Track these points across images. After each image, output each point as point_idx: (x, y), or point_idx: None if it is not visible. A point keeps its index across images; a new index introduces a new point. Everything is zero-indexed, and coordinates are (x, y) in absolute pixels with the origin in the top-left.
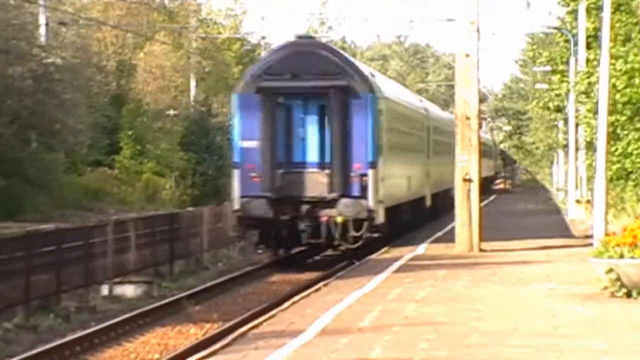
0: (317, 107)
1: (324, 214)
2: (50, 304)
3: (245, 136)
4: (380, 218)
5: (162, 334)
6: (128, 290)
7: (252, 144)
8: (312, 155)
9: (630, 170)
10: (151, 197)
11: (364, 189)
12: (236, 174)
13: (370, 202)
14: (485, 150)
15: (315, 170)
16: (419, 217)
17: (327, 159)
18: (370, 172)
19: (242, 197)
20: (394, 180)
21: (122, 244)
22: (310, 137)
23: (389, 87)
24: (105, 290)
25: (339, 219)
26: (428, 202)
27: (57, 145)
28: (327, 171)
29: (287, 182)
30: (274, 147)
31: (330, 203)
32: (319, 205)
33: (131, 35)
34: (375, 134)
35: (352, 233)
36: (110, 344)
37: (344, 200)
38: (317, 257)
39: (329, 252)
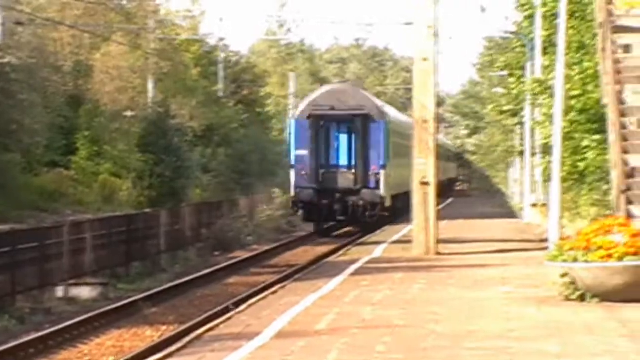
0: (347, 128)
1: (351, 200)
2: (4, 306)
3: (298, 147)
4: (388, 202)
5: (117, 336)
6: (84, 292)
7: (304, 152)
8: (343, 160)
9: (583, 171)
10: (108, 198)
11: (377, 183)
12: (292, 172)
13: (382, 192)
14: (446, 154)
15: (345, 170)
16: (449, 188)
17: (353, 163)
18: (382, 172)
19: (296, 187)
20: (395, 178)
21: (78, 245)
22: (342, 148)
23: (392, 113)
24: (60, 291)
25: (361, 203)
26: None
27: (13, 145)
28: (353, 171)
29: (326, 178)
30: (318, 155)
31: (355, 192)
32: (347, 193)
33: (88, 36)
34: (385, 147)
35: (369, 212)
36: (65, 346)
37: (364, 191)
38: (340, 232)
39: (349, 228)
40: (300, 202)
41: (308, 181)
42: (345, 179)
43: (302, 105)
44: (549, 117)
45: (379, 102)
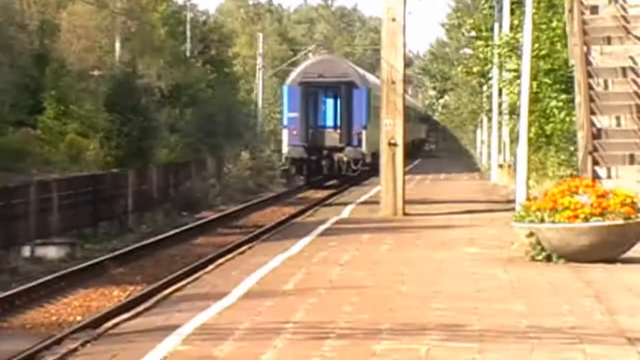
0: (333, 93)
1: (337, 156)
2: None
3: (290, 110)
4: (368, 159)
5: (84, 296)
6: (50, 252)
7: (295, 114)
8: (330, 121)
9: (549, 134)
10: (75, 158)
11: (360, 141)
12: (285, 132)
13: (364, 149)
14: (416, 115)
15: (331, 130)
16: (417, 148)
17: (338, 124)
18: (363, 131)
19: (289, 145)
20: (375, 138)
21: (45, 205)
22: (329, 111)
23: (372, 80)
24: (27, 251)
25: (345, 159)
26: None
27: None
28: (338, 130)
29: (315, 137)
30: (307, 116)
31: (340, 150)
32: (333, 150)
33: None
34: (367, 110)
35: (352, 167)
36: (31, 305)
37: (348, 148)
38: (329, 183)
39: (335, 181)
40: (292, 158)
41: (299, 140)
42: (332, 138)
43: (294, 74)
44: (516, 77)
45: (361, 71)
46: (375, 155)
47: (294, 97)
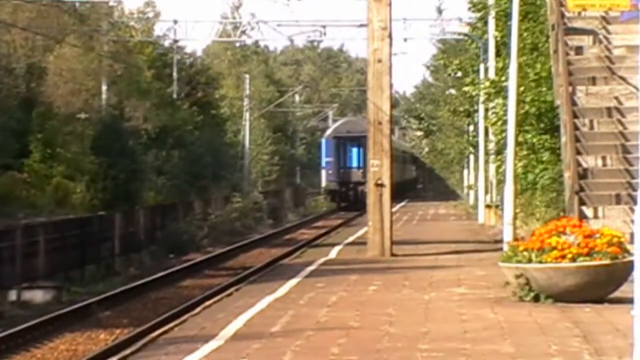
0: (356, 144)
1: (360, 188)
2: None
3: (327, 156)
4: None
5: (71, 340)
6: (37, 296)
7: (330, 159)
8: (355, 163)
9: (536, 176)
10: (61, 201)
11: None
12: (323, 172)
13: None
14: (405, 157)
15: (356, 169)
16: (404, 189)
17: (361, 165)
18: None
19: (326, 180)
20: (395, 172)
21: (31, 248)
22: (354, 156)
23: (397, 139)
24: (13, 295)
25: (366, 191)
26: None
27: None
28: (361, 170)
29: (344, 174)
30: (339, 160)
31: (363, 184)
32: (357, 184)
33: (41, 38)
34: None
35: None
36: (17, 350)
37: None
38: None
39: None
40: (328, 190)
41: (333, 177)
42: (356, 175)
43: (329, 130)
44: (502, 119)
45: None
46: (396, 184)
47: (329, 147)
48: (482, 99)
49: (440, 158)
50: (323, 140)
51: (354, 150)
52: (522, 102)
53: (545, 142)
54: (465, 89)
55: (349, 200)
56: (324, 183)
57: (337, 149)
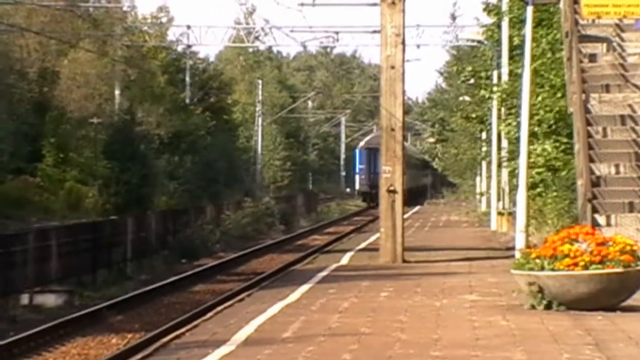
0: None
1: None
2: None
3: (360, 163)
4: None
5: (82, 344)
6: (49, 300)
7: (362, 166)
8: None
9: (541, 180)
10: (74, 205)
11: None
12: (357, 177)
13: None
14: (422, 164)
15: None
16: (417, 195)
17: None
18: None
19: (359, 184)
20: (408, 180)
21: (44, 252)
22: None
23: (407, 146)
24: (25, 299)
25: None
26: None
27: None
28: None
29: (374, 179)
30: (370, 167)
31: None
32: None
33: (55, 42)
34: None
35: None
36: (29, 354)
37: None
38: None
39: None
40: (361, 192)
41: (365, 181)
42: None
43: (362, 142)
44: (515, 127)
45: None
46: (409, 190)
47: (362, 156)
48: (495, 102)
49: (452, 165)
50: (357, 151)
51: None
52: (535, 107)
53: (559, 149)
54: (482, 92)
55: (378, 200)
56: (357, 186)
57: (368, 157)
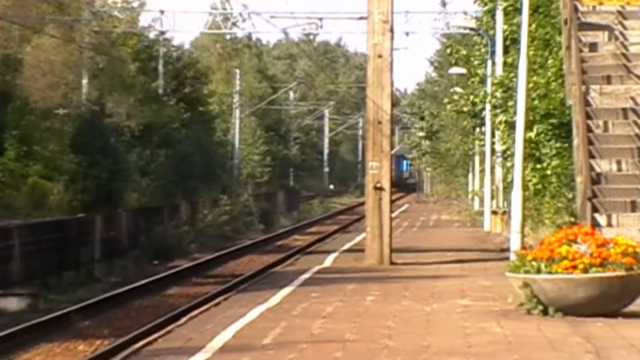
0: (404, 159)
1: (405, 181)
2: None
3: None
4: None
5: (47, 351)
6: (11, 303)
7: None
8: (404, 169)
9: (546, 177)
10: (38, 202)
11: (412, 175)
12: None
13: (413, 180)
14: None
15: (404, 172)
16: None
17: (408, 170)
18: (416, 173)
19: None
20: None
21: (5, 252)
22: (404, 165)
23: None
24: None
25: (411, 181)
26: None
27: None
28: (407, 172)
29: (398, 174)
30: (396, 168)
31: (407, 179)
32: (405, 179)
33: (18, 28)
34: (408, 165)
35: (412, 187)
36: None
37: (409, 180)
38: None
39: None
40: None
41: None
42: (404, 175)
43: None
44: (510, 123)
45: (407, 149)
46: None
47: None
48: (488, 112)
49: (442, 161)
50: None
51: (404, 162)
52: (532, 99)
53: (556, 144)
54: (471, 83)
55: (401, 186)
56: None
57: (396, 162)
